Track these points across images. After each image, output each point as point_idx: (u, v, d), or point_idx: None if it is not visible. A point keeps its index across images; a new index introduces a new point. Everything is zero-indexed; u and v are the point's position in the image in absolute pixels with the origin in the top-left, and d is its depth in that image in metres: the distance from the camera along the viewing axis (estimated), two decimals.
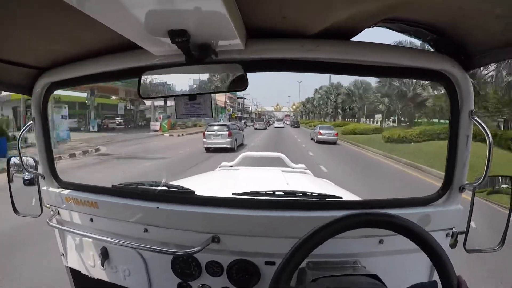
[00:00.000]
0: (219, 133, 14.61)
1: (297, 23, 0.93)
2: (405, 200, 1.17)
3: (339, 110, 54.46)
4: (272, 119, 66.68)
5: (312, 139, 22.48)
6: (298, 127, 51.47)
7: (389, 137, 19.50)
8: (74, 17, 0.80)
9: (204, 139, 14.64)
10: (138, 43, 0.93)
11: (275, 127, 44.94)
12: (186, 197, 1.20)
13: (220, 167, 2.91)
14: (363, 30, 0.99)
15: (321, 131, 20.77)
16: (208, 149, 14.32)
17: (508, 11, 0.77)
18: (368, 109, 41.20)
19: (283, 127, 45.90)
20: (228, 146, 14.42)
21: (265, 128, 40.40)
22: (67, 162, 11.34)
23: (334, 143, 20.17)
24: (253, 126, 41.80)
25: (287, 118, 78.87)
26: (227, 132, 14.63)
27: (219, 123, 15.49)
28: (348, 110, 49.98)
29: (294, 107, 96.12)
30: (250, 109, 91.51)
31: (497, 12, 0.78)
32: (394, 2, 0.80)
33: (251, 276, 1.12)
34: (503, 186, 1.24)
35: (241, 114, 71.30)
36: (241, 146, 16.58)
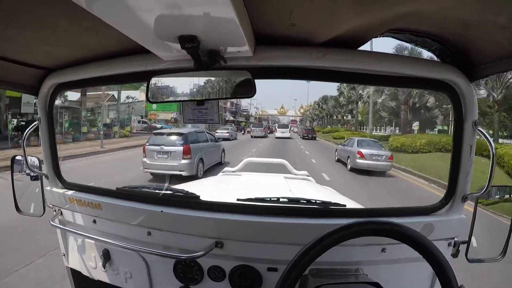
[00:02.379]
0: (167, 149, 8.37)
1: (306, 31, 0.94)
2: (408, 209, 1.17)
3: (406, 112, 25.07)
4: (275, 124, 44.71)
5: (339, 161, 13.59)
6: (314, 138, 31.59)
7: None
8: (83, 20, 0.81)
9: (145, 159, 8.40)
10: (147, 47, 0.94)
11: (276, 138, 30.10)
12: (191, 201, 1.20)
13: (222, 172, 2.92)
14: (370, 39, 1.00)
15: (363, 151, 11.52)
16: (155, 175, 8.43)
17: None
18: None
19: (289, 138, 30.24)
20: (183, 173, 8.14)
21: (264, 136, 30.94)
22: None
23: (384, 173, 11.70)
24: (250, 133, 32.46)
25: (294, 124, 60.15)
26: (181, 148, 8.35)
27: (170, 130, 9.46)
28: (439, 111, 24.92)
29: (302, 110, 77.68)
30: (249, 112, 75.34)
31: (501, 23, 0.79)
32: (400, 13, 0.82)
33: (253, 282, 1.13)
34: (506, 196, 1.24)
35: (234, 118, 57.10)
36: (218, 165, 10.19)
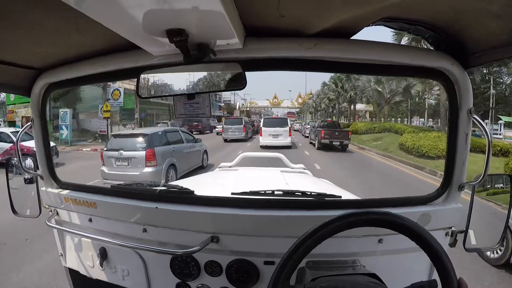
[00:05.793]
0: (126, 154, 6.80)
1: (296, 22, 0.93)
2: (405, 199, 1.16)
3: None
4: (265, 119, 18.11)
5: None
6: (344, 148, 15.34)
7: None
8: (72, 19, 0.81)
9: (103, 167, 7.00)
10: (137, 43, 0.93)
11: (262, 147, 15.36)
12: (185, 197, 1.19)
13: (219, 167, 2.92)
14: (362, 28, 0.99)
15: None
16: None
17: (506, 11, 0.77)
18: None
19: (288, 147, 15.24)
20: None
21: (244, 139, 19.38)
22: None
23: None
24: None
25: (291, 117, 44.35)
26: (144, 153, 6.77)
27: (126, 131, 8.25)
28: None
29: (300, 100, 60.66)
30: (233, 103, 57.85)
31: (494, 11, 0.78)
32: (392, 2, 0.80)
33: (250, 276, 1.12)
34: (502, 184, 1.23)
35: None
36: (199, 170, 8.91)
